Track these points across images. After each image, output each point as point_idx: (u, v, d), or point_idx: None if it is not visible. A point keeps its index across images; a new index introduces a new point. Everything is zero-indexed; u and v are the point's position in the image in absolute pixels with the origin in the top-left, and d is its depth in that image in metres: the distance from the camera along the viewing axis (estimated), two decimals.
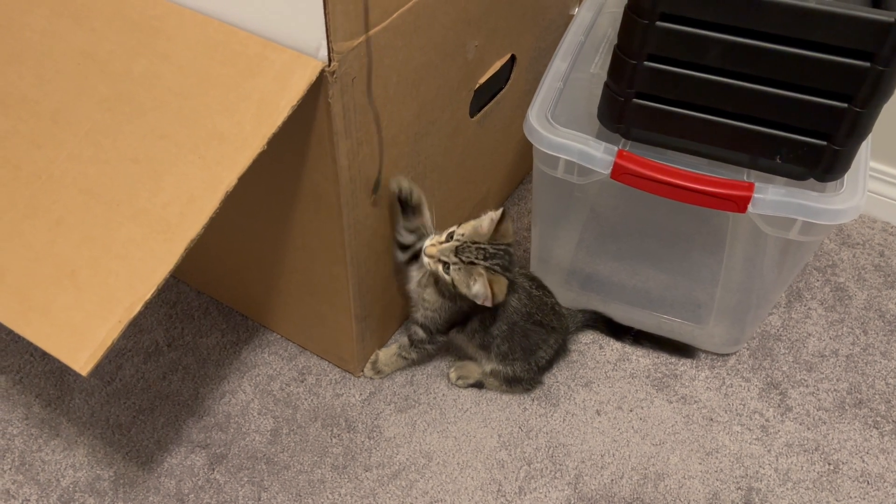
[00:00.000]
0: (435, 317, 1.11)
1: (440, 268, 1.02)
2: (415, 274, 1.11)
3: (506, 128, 1.32)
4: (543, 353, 1.17)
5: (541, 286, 1.17)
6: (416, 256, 1.09)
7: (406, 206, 1.06)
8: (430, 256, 1.03)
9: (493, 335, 1.12)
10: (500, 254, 1.03)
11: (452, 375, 1.22)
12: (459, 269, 1.01)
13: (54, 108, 0.89)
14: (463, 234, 1.03)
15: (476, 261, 1.00)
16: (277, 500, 1.10)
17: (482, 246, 1.01)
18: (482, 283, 0.98)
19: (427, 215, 1.08)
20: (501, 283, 1.01)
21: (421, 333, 1.14)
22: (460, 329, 1.13)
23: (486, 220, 1.03)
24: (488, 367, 1.18)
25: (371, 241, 1.06)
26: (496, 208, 1.04)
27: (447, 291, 1.06)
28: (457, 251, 1.01)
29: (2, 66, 0.93)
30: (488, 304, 1.00)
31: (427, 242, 1.04)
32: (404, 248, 1.10)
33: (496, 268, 1.01)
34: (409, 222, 1.07)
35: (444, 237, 1.04)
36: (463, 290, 1.01)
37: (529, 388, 1.21)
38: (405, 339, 1.19)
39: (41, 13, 0.94)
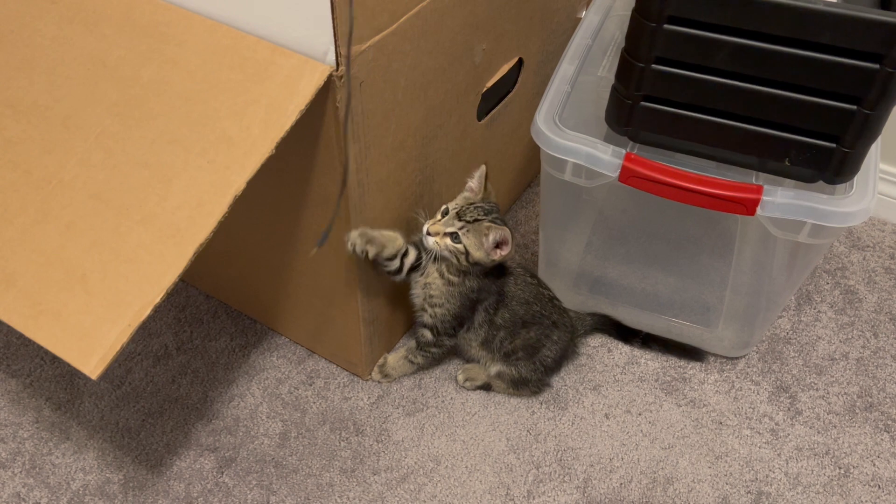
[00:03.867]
0: (443, 312, 1.10)
1: (448, 241, 1.04)
2: (419, 279, 1.11)
3: (513, 131, 1.32)
4: (548, 351, 1.17)
5: (534, 276, 1.18)
6: (412, 269, 1.09)
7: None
8: (435, 234, 1.04)
9: (498, 325, 1.12)
10: (495, 209, 1.07)
11: (460, 377, 1.22)
12: (468, 231, 1.03)
13: (65, 114, 0.90)
14: (457, 204, 1.06)
15: (480, 217, 1.04)
16: (286, 503, 1.10)
17: (479, 204, 1.06)
18: (496, 230, 1.01)
19: (387, 241, 1.05)
20: (509, 233, 1.03)
21: (428, 335, 1.14)
22: (468, 328, 1.14)
23: (475, 180, 1.08)
24: (493, 368, 1.18)
25: None
26: (499, 213, 1.06)
27: (458, 269, 1.06)
28: (459, 216, 1.04)
29: (13, 72, 0.93)
30: (507, 250, 1.03)
31: (425, 227, 1.05)
32: (396, 272, 1.09)
33: (497, 221, 1.04)
34: (383, 256, 1.05)
35: (438, 216, 1.06)
36: (477, 253, 1.03)
37: (537, 390, 1.21)
38: (412, 343, 1.19)
39: (52, 19, 0.94)
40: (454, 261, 1.05)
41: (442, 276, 1.08)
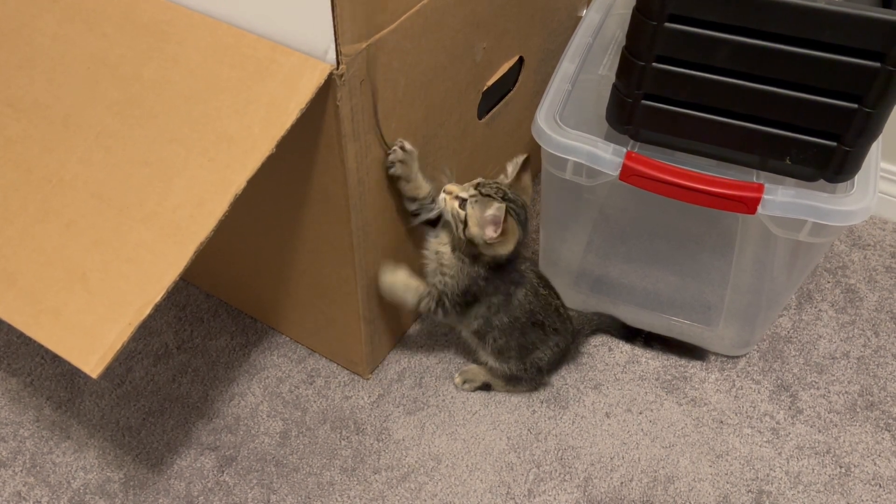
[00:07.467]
0: (452, 283, 1.07)
1: (456, 205, 1.02)
2: (432, 240, 1.08)
3: (514, 130, 1.32)
4: (542, 353, 1.16)
5: (548, 286, 1.16)
6: (429, 222, 1.08)
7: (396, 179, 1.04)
8: (449, 193, 1.03)
9: (493, 325, 1.11)
10: (518, 201, 1.04)
11: (458, 380, 1.22)
12: (476, 201, 1.00)
13: (65, 113, 0.90)
14: (486, 179, 1.04)
15: (494, 195, 1.01)
16: (286, 502, 1.10)
17: (503, 187, 1.03)
18: (497, 209, 0.97)
19: (419, 181, 1.05)
20: (514, 228, 1.00)
21: (435, 293, 1.09)
22: (466, 309, 1.09)
23: (511, 165, 1.06)
24: (485, 360, 1.17)
25: (379, 244, 1.07)
26: (520, 208, 1.04)
27: (459, 241, 1.03)
28: (477, 186, 1.02)
29: (14, 71, 0.93)
30: (496, 232, 0.98)
31: (446, 185, 1.04)
32: (414, 214, 1.09)
33: (512, 211, 1.01)
34: (406, 191, 1.05)
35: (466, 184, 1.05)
36: (473, 228, 1.00)
37: (533, 387, 1.21)
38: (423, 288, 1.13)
39: (53, 18, 0.94)
40: (454, 229, 1.03)
41: (453, 249, 1.06)
